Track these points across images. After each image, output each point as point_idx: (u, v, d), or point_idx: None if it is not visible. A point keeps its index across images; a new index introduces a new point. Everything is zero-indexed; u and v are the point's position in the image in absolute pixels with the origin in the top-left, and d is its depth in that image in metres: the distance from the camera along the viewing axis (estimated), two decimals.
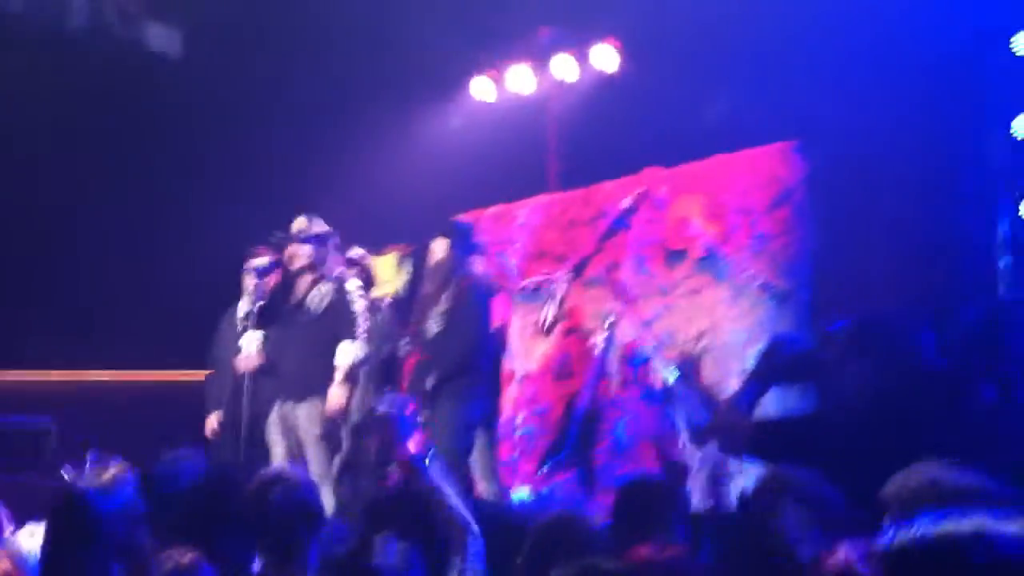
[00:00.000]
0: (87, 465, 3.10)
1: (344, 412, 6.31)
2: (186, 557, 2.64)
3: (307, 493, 3.34)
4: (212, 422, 6.84)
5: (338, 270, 6.56)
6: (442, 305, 6.24)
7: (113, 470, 3.05)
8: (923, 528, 1.82)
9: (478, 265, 6.52)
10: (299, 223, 6.56)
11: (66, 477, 3.11)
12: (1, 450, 7.96)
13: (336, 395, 6.19)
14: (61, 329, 8.86)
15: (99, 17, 9.82)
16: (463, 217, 7.65)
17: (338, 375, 6.20)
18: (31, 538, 3.37)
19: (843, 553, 2.29)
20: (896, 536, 1.85)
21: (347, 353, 6.24)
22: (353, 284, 6.49)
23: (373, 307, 6.90)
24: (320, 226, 6.55)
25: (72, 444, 6.71)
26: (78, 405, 8.32)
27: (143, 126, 9.29)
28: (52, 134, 9.02)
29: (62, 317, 8.95)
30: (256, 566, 3.17)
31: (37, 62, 9.03)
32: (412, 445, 3.37)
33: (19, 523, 4.43)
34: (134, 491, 3.03)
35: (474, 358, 6.16)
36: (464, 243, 6.45)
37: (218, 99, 9.32)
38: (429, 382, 6.12)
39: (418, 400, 6.26)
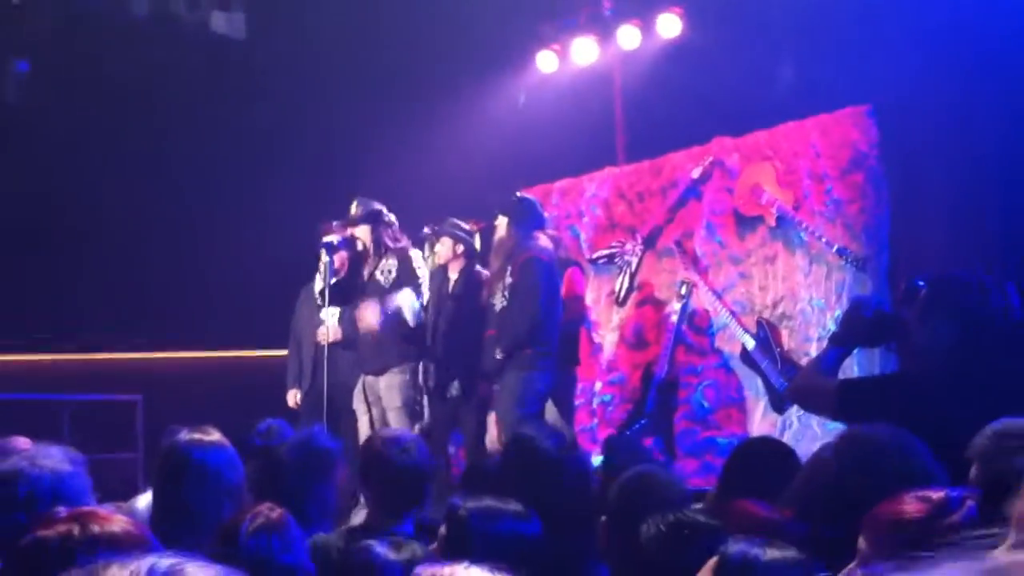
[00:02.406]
0: (186, 431, 3.29)
1: (372, 328, 6.43)
2: (275, 512, 2.69)
3: (428, 454, 3.56)
4: (293, 396, 7.00)
5: (401, 243, 6.68)
6: (506, 280, 6.31)
7: (214, 432, 3.28)
8: None
9: (541, 240, 6.52)
10: (353, 206, 6.69)
11: (172, 439, 3.26)
12: (92, 427, 8.18)
13: (368, 313, 6.36)
14: (143, 312, 9.04)
15: (163, 4, 9.94)
16: (530, 192, 7.63)
17: (387, 302, 6.40)
18: (144, 503, 3.49)
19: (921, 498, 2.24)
20: None
21: (406, 297, 6.43)
22: (416, 254, 6.68)
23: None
24: (372, 206, 6.66)
25: (158, 419, 6.85)
26: (162, 383, 8.52)
27: (212, 111, 9.40)
28: (122, 121, 9.15)
29: (144, 301, 9.12)
30: (360, 519, 3.27)
31: (105, 48, 9.16)
32: None
33: (112, 496, 4.53)
34: (232, 447, 3.29)
35: (539, 330, 6.23)
36: (525, 219, 6.47)
37: (283, 81, 9.41)
38: (497, 356, 6.25)
39: (491, 374, 6.38)
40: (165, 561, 1.04)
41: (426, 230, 6.99)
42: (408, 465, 3.41)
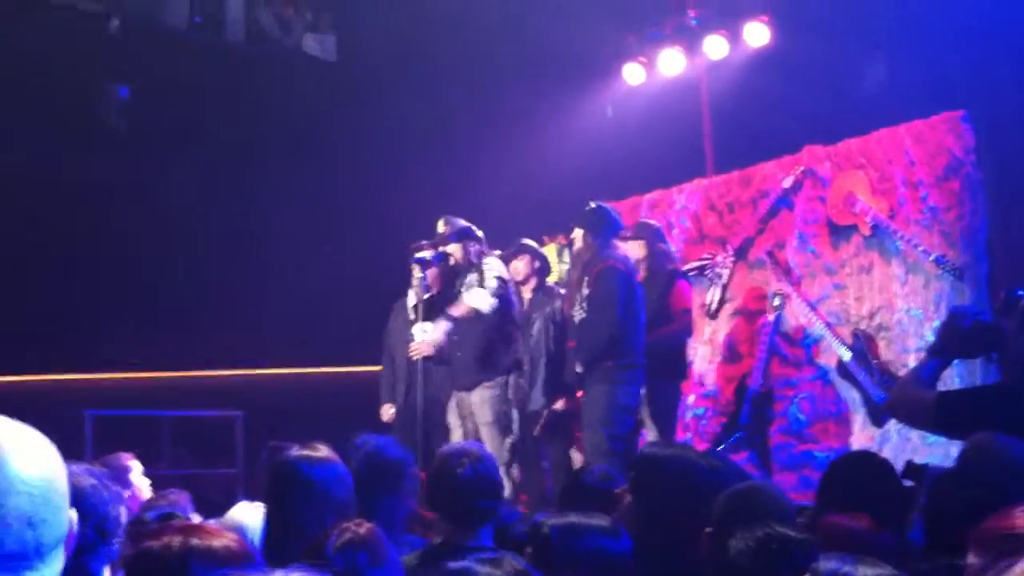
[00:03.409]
0: (296, 447, 3.32)
1: (430, 350, 6.52)
2: (363, 528, 2.67)
3: (492, 468, 3.52)
4: (387, 411, 7.09)
5: (481, 258, 6.75)
6: (583, 292, 6.21)
7: (323, 448, 3.29)
8: None
9: (620, 249, 6.41)
10: (440, 224, 6.77)
11: (281, 455, 3.31)
12: (193, 442, 8.40)
13: (434, 332, 6.45)
14: (243, 330, 9.22)
15: (257, 29, 10.19)
16: (619, 205, 7.60)
17: (454, 311, 6.50)
18: (247, 513, 3.54)
19: None
20: None
21: (474, 298, 6.51)
22: (492, 263, 6.68)
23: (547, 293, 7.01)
24: (459, 223, 6.73)
25: (258, 435, 6.99)
26: (262, 399, 8.69)
27: (305, 132, 9.57)
28: (219, 142, 9.37)
29: (244, 319, 9.31)
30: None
31: (200, 71, 9.40)
32: None
33: (213, 511, 4.63)
34: (342, 464, 3.29)
35: (618, 342, 6.04)
36: (600, 227, 6.36)
37: (371, 101, 9.54)
38: (577, 369, 6.15)
39: (573, 387, 6.33)
40: None
41: (497, 253, 6.97)
42: (468, 478, 3.40)
